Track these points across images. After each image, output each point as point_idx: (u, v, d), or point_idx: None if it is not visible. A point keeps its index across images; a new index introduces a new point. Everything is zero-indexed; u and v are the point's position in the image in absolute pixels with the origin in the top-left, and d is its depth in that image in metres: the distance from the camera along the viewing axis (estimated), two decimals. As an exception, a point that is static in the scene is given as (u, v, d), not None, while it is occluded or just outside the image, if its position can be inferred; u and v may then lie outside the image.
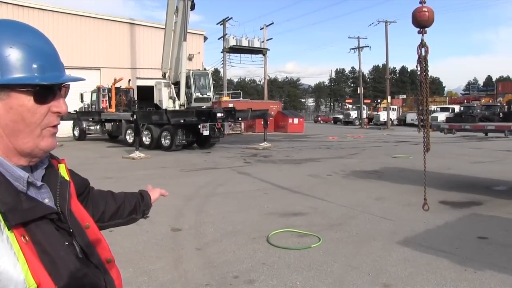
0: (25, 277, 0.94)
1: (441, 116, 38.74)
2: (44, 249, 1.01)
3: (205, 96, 21.43)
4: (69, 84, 1.15)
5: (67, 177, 1.27)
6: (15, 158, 1.07)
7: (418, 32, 5.51)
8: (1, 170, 1.03)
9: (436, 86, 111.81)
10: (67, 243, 1.10)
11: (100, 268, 1.20)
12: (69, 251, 1.09)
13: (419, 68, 5.64)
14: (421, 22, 5.39)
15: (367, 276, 4.76)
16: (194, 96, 20.94)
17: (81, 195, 1.47)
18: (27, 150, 1.07)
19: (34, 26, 1.13)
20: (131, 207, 1.71)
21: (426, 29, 5.48)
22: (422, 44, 5.50)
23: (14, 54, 1.01)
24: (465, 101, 54.19)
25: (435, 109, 46.40)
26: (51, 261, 1.01)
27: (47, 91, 1.07)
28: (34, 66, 1.03)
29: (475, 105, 41.20)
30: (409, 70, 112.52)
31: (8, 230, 0.95)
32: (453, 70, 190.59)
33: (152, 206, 1.83)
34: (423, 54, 5.51)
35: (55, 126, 1.12)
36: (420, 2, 5.39)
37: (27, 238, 0.98)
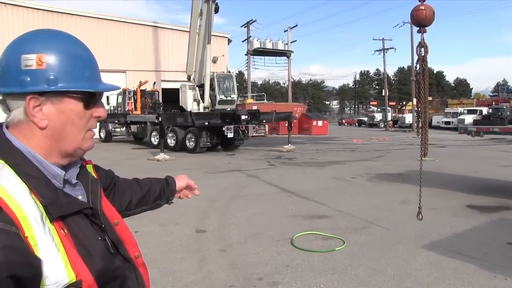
0: (65, 267, 1.00)
1: (468, 119, 38.07)
2: (81, 242, 1.08)
3: (229, 98, 21.51)
4: None
5: (96, 177, 1.35)
6: (57, 158, 1.14)
7: (418, 31, 5.38)
8: (40, 168, 1.10)
9: (463, 88, 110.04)
10: (100, 238, 1.16)
11: (130, 263, 1.25)
12: (103, 245, 1.15)
13: (418, 69, 5.51)
14: (419, 20, 5.26)
15: (392, 280, 4.71)
16: (218, 98, 21.03)
17: (108, 187, 1.55)
18: (70, 151, 1.16)
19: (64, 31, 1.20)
20: (156, 194, 1.77)
21: (426, 28, 5.36)
22: (421, 44, 5.37)
23: (69, 63, 1.12)
24: (493, 103, 53.01)
25: (462, 111, 45.58)
26: (88, 253, 1.07)
27: (92, 97, 1.17)
28: (85, 74, 1.14)
29: (504, 107, 40.16)
30: (435, 72, 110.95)
31: (50, 222, 1.02)
32: (481, 72, 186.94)
33: (177, 192, 1.86)
34: (423, 54, 5.38)
35: (93, 129, 1.21)
36: (419, 0, 5.27)
37: (65, 231, 1.05)
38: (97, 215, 1.19)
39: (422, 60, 5.41)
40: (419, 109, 5.71)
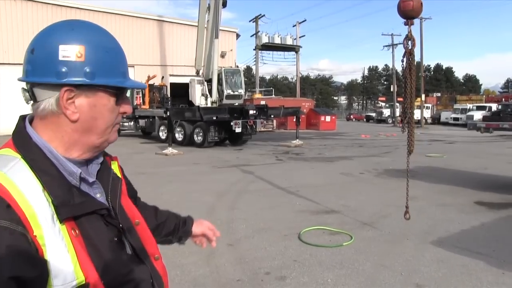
0: (74, 269, 0.98)
1: (477, 115, 37.78)
2: (92, 243, 1.05)
3: (236, 93, 21.53)
4: None
5: (119, 174, 1.33)
6: (79, 152, 1.13)
7: (405, 24, 5.28)
8: (56, 165, 1.08)
9: (472, 84, 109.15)
10: (116, 239, 1.14)
11: (148, 265, 1.22)
12: (116, 247, 1.13)
13: (404, 62, 5.40)
14: (406, 12, 5.14)
15: (400, 276, 4.71)
16: (225, 93, 21.08)
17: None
18: (98, 144, 1.15)
19: None
20: (170, 229, 1.69)
21: (413, 20, 5.26)
22: (408, 37, 5.26)
23: (107, 58, 1.11)
24: (503, 99, 52.56)
25: (471, 107, 45.25)
26: (99, 255, 1.05)
27: (122, 93, 1.17)
28: (120, 70, 1.14)
29: (514, 103, 39.84)
30: (444, 68, 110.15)
31: (61, 222, 1.01)
32: (491, 68, 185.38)
33: (192, 236, 1.79)
34: (410, 47, 5.28)
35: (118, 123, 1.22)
36: None
37: (77, 231, 1.03)
38: (114, 216, 1.16)
39: (409, 53, 5.31)
40: (405, 105, 5.64)
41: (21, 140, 1.09)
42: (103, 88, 1.11)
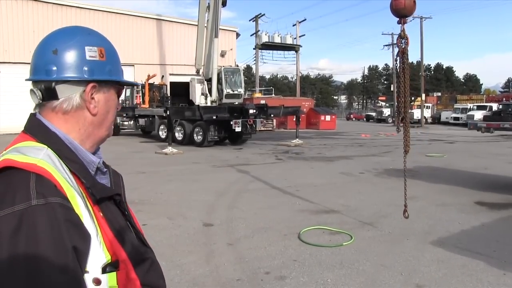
0: (103, 248, 1.07)
1: (478, 115, 37.71)
2: (114, 225, 1.14)
3: (236, 92, 21.48)
4: None
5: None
6: (90, 145, 1.23)
7: (398, 22, 5.22)
8: (77, 154, 1.16)
9: (472, 84, 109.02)
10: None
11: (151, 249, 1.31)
12: (129, 231, 1.23)
13: (398, 61, 5.35)
14: (399, 11, 5.08)
15: (400, 276, 4.70)
16: (225, 92, 21.03)
17: None
18: (104, 136, 1.28)
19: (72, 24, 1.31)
20: None
21: (406, 18, 5.21)
22: (401, 36, 5.21)
23: (116, 58, 1.28)
24: (503, 99, 52.48)
25: (471, 107, 45.20)
26: (121, 236, 1.14)
27: (120, 91, 1.32)
28: (121, 69, 1.30)
29: (515, 103, 39.73)
30: (444, 67, 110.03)
31: (90, 205, 1.10)
32: (491, 67, 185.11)
33: None
34: (403, 46, 5.23)
35: None
36: None
37: (101, 214, 1.12)
38: (122, 203, 1.25)
39: (403, 52, 5.28)
40: (400, 104, 5.60)
41: (42, 132, 1.16)
42: (114, 85, 1.26)
